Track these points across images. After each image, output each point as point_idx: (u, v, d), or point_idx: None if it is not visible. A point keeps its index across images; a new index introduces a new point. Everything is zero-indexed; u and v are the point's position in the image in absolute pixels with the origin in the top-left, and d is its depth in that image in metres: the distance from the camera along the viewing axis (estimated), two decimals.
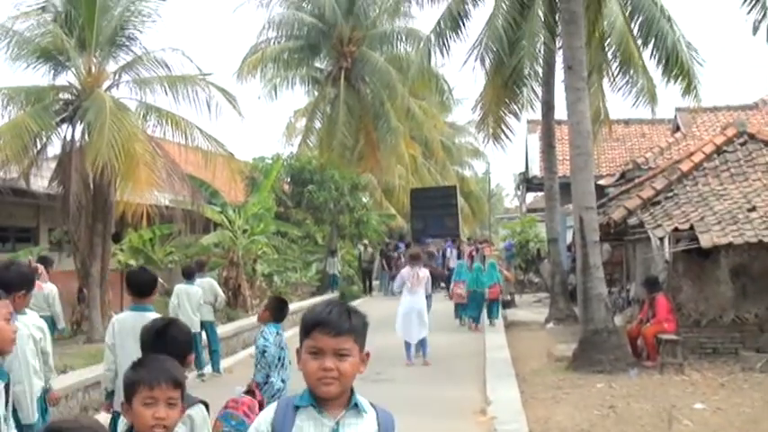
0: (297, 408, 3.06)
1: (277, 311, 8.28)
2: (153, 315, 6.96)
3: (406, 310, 15.30)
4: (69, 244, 18.94)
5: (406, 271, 16.10)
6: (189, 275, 14.53)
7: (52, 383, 6.92)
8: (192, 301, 14.06)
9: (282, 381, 7.89)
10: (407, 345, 15.31)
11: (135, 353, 6.28)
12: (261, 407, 6.87)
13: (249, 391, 7.52)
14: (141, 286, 7.13)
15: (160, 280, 23.97)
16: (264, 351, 7.96)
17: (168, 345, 4.27)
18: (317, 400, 3.03)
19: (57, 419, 3.34)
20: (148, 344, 4.37)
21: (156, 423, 3.19)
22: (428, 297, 16.69)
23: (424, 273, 15.94)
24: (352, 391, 3.10)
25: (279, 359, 7.92)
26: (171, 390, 3.23)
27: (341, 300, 30.14)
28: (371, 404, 3.18)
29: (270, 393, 7.69)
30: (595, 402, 11.48)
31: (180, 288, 14.30)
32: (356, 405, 3.08)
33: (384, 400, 4.20)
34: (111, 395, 7.13)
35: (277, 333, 8.04)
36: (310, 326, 3.04)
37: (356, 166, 37.55)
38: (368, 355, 3.16)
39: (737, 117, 22.01)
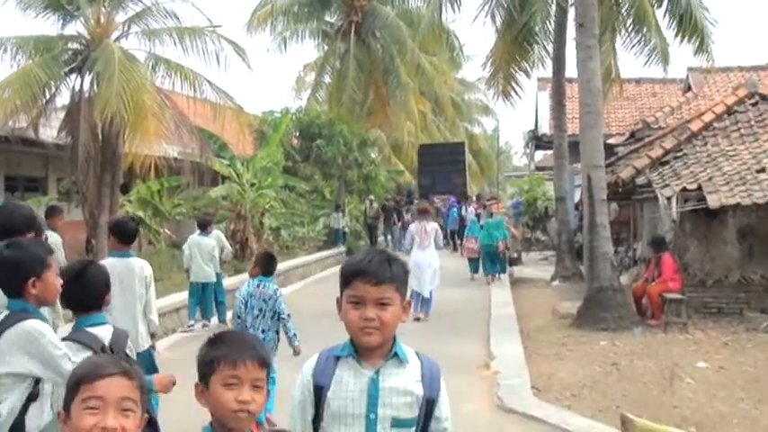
0: (338, 358, 3.04)
1: (265, 266, 8.46)
2: (136, 260, 7.66)
3: (417, 261, 15.10)
4: (78, 194, 19.00)
5: (414, 226, 16.05)
6: (203, 227, 14.72)
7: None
8: (203, 252, 14.24)
9: (263, 330, 8.03)
10: (416, 296, 15.02)
11: (118, 295, 6.96)
12: None
13: None
14: (126, 234, 7.71)
15: (168, 231, 24.16)
16: (235, 301, 8.44)
17: (87, 285, 4.48)
18: (359, 350, 3.01)
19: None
20: (68, 283, 4.42)
21: (239, 408, 2.71)
22: (438, 248, 16.20)
23: (432, 226, 15.80)
24: (394, 339, 3.06)
25: (258, 309, 8.13)
26: (257, 370, 2.77)
27: (347, 254, 30.32)
28: (417, 353, 3.16)
29: None
30: (598, 359, 11.56)
31: (192, 239, 14.49)
32: (396, 354, 3.04)
33: None
34: None
35: (258, 285, 8.23)
36: (350, 275, 3.01)
37: (365, 121, 37.39)
38: (409, 303, 3.13)
39: (749, 77, 21.82)
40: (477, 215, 27.23)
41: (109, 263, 7.27)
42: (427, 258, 15.34)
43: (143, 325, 7.70)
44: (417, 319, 14.61)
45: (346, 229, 32.21)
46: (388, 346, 3.03)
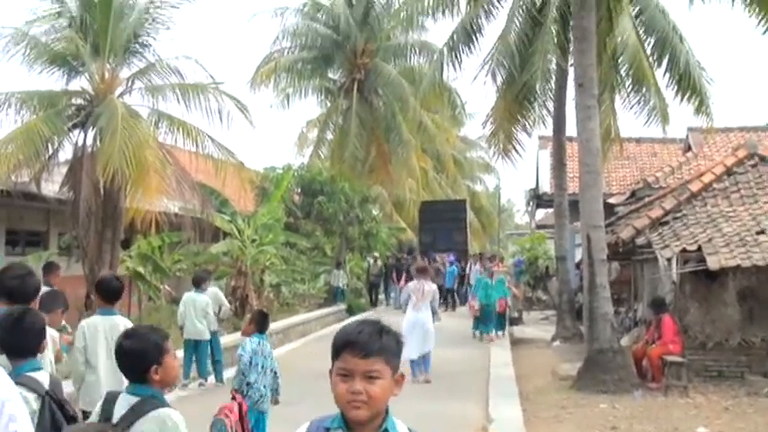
0: (327, 430, 2.94)
1: (259, 324, 8.87)
2: (120, 319, 7.57)
3: (409, 325, 14.65)
4: (78, 249, 18.99)
5: (412, 284, 15.74)
6: (197, 284, 14.64)
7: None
8: (197, 308, 14.14)
9: (264, 386, 8.49)
10: (411, 361, 14.67)
11: (104, 355, 7.21)
12: (241, 409, 7.88)
13: (232, 397, 8.25)
14: (110, 292, 7.61)
15: (168, 287, 24.08)
16: (240, 359, 8.60)
17: (24, 332, 4.56)
18: (348, 424, 2.89)
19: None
20: (5, 329, 4.54)
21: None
22: (434, 313, 15.78)
23: (431, 287, 15.50)
24: (387, 414, 2.94)
25: (261, 366, 8.51)
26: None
27: (347, 312, 30.21)
28: (409, 429, 3.06)
29: (253, 399, 8.36)
30: (598, 423, 11.44)
31: (187, 296, 14.42)
32: (387, 431, 2.92)
33: None
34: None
35: (258, 342, 8.62)
36: (340, 346, 2.91)
37: (367, 178, 37.55)
38: (402, 376, 2.99)
39: (749, 138, 21.93)
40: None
41: (93, 321, 7.56)
42: (420, 320, 14.90)
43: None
44: (428, 382, 14.61)
45: (345, 287, 32.00)
46: (378, 420, 2.91)
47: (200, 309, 14.19)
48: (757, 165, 17.43)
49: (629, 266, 21.42)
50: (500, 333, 21.90)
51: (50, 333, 6.80)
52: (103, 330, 7.31)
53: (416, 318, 14.91)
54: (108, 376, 7.16)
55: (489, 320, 21.90)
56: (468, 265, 30.78)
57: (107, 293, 7.60)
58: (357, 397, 2.84)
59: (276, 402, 8.65)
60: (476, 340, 21.44)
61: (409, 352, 14.56)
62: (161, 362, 4.19)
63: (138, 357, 4.16)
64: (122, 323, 7.62)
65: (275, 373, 8.68)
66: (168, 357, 4.26)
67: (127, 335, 4.38)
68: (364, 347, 2.87)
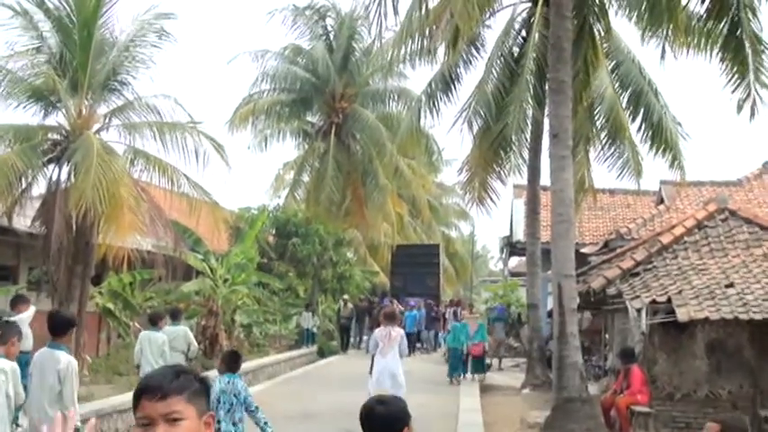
0: None
1: (229, 363, 9.06)
2: (63, 354, 7.83)
3: (377, 372, 14.34)
4: (48, 284, 18.85)
5: (378, 331, 15.15)
6: (153, 321, 14.51)
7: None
8: (153, 347, 13.93)
9: (233, 424, 8.68)
10: None
11: (38, 386, 7.62)
12: None
13: None
14: (56, 326, 7.93)
15: (138, 325, 23.95)
16: None
17: None
18: None
19: None
20: None
21: None
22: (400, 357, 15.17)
23: (398, 332, 14.95)
24: None
25: (229, 405, 8.68)
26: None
27: (318, 354, 30.06)
28: None
29: None
30: None
31: (143, 335, 14.29)
32: None
33: None
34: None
35: (228, 382, 8.76)
36: (137, 394, 2.70)
37: (342, 221, 37.62)
38: (212, 417, 2.81)
39: (721, 193, 22.20)
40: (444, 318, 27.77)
41: (39, 353, 7.91)
42: (388, 366, 14.41)
43: (52, 414, 7.53)
44: None
45: (315, 330, 31.73)
46: None
47: (157, 347, 13.97)
48: (727, 219, 17.63)
49: (599, 316, 21.51)
50: (475, 376, 22.74)
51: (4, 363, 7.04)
52: (41, 363, 7.77)
53: (385, 364, 14.43)
54: (32, 403, 7.69)
55: (458, 363, 22.73)
56: (447, 311, 30.59)
57: (53, 327, 7.91)
58: None
59: None
60: (445, 386, 21.37)
61: None
62: (409, 425, 4.44)
63: (394, 421, 4.39)
64: (62, 359, 7.73)
65: (248, 409, 8.77)
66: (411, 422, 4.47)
67: (379, 401, 4.57)
68: (160, 388, 2.67)
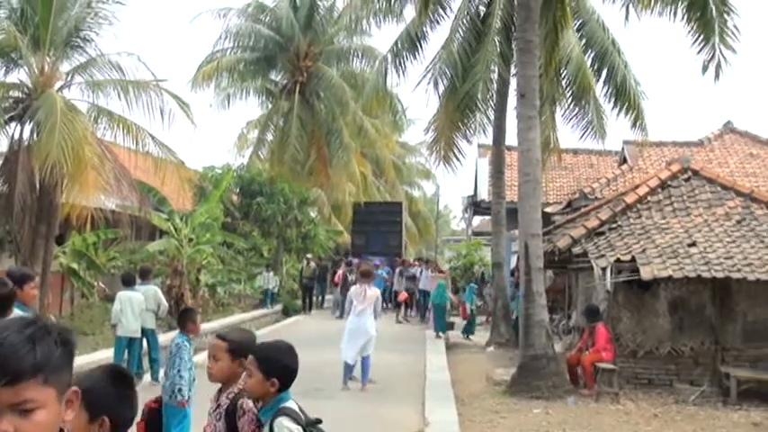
0: None
1: (178, 321, 8.86)
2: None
3: (351, 328, 14.49)
4: (11, 244, 18.65)
5: (353, 289, 15.29)
6: (128, 282, 14.46)
7: None
8: (134, 306, 13.98)
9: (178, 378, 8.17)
10: (346, 366, 14.43)
11: None
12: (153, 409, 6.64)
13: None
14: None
15: (102, 284, 23.71)
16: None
17: None
18: None
19: None
20: None
21: None
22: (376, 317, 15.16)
23: (374, 291, 15.03)
24: None
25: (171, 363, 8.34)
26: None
27: (283, 313, 30.07)
28: None
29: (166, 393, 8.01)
30: (531, 428, 11.61)
31: (122, 294, 14.20)
32: None
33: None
34: None
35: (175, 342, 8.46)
36: None
37: (306, 180, 37.49)
38: (76, 393, 2.02)
39: (683, 153, 22.49)
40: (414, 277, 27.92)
41: None
42: (363, 325, 14.48)
43: None
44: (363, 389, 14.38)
45: (275, 290, 31.51)
46: None
47: (138, 307, 14.05)
48: (690, 179, 17.87)
49: (563, 275, 21.77)
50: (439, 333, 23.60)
51: None
52: None
53: (359, 323, 14.54)
54: None
55: (440, 318, 24.11)
56: (420, 271, 30.20)
57: None
58: None
59: (181, 405, 7.95)
60: (411, 344, 21.46)
61: (346, 355, 14.47)
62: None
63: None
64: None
65: (179, 371, 8.14)
66: None
67: None
68: (7, 369, 1.86)
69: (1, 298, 6.62)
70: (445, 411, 12.33)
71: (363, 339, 14.40)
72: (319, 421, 4.24)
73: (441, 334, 23.37)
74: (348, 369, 14.55)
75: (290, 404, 4.20)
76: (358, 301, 14.68)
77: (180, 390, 8.03)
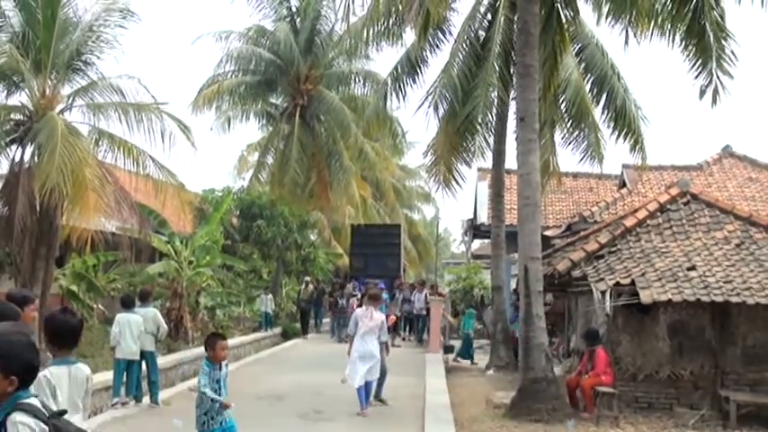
0: None
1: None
2: None
3: (360, 353, 14.10)
4: (11, 266, 18.68)
5: (360, 311, 14.91)
6: (128, 305, 14.42)
7: None
8: (133, 329, 13.95)
9: None
10: (359, 391, 13.98)
11: None
12: None
13: None
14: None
15: (101, 307, 23.69)
16: None
17: None
18: None
19: None
20: None
21: None
22: (382, 344, 14.83)
23: (380, 316, 14.72)
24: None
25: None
26: None
27: (282, 336, 29.98)
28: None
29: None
30: None
31: (121, 317, 14.14)
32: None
33: None
34: None
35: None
36: None
37: (306, 203, 37.53)
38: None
39: (682, 177, 22.51)
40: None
41: None
42: (368, 348, 14.16)
43: None
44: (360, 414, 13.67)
45: (272, 313, 31.26)
46: None
47: (136, 329, 14.02)
48: (689, 202, 17.91)
49: (562, 298, 21.74)
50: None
51: None
52: None
53: (364, 347, 14.20)
54: None
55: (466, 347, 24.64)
56: (414, 294, 30.02)
57: None
58: None
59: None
60: (412, 367, 21.39)
61: (353, 380, 14.09)
62: None
63: None
64: None
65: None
66: None
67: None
68: None
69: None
70: None
71: (370, 363, 14.07)
72: (64, 412, 3.97)
73: (460, 360, 23.93)
74: (361, 393, 14.03)
75: (30, 400, 3.81)
76: (363, 323, 14.34)
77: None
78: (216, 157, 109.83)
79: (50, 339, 5.85)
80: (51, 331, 5.83)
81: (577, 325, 18.59)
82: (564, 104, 21.44)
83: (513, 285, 23.22)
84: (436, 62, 24.29)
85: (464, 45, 21.18)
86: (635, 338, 15.22)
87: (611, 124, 20.86)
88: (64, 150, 16.33)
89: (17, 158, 18.00)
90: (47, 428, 3.63)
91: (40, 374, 6.16)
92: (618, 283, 14.81)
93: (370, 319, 14.40)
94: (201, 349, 10.25)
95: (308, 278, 33.37)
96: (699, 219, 17.35)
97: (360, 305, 17.07)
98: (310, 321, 32.64)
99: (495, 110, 21.81)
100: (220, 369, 8.80)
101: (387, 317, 28.58)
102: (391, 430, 12.87)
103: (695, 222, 17.27)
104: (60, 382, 5.65)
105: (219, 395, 8.69)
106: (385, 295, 31.68)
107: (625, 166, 28.37)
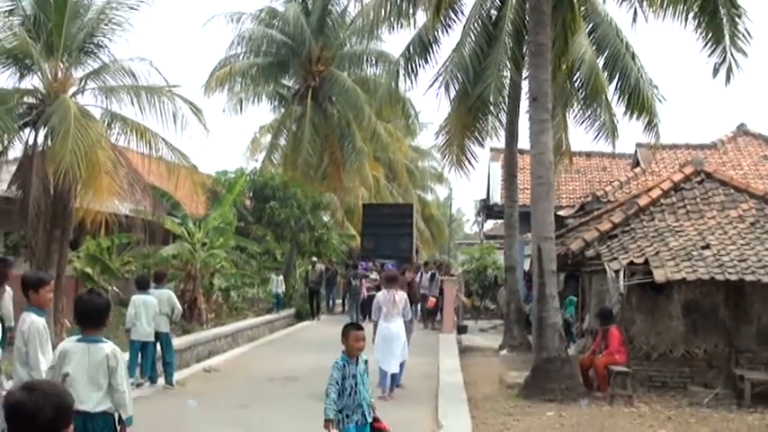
0: None
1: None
2: (27, 315, 7.18)
3: (385, 335, 13.94)
4: (26, 249, 18.75)
5: (381, 295, 14.67)
6: (143, 286, 14.47)
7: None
8: (148, 310, 14.01)
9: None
10: (383, 374, 13.78)
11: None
12: None
13: None
14: (22, 286, 7.29)
15: (116, 289, 23.81)
16: None
17: None
18: None
19: None
20: None
21: None
22: (409, 322, 15.02)
23: (401, 296, 14.57)
24: None
25: None
26: None
27: (296, 317, 30.05)
28: None
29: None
30: (544, 431, 11.60)
31: (137, 298, 14.20)
32: None
33: None
34: None
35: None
36: None
37: (319, 185, 37.53)
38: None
39: (696, 156, 22.41)
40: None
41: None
42: (395, 330, 14.06)
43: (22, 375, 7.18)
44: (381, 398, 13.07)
45: (283, 294, 31.16)
46: None
47: (152, 310, 14.09)
48: (703, 181, 17.83)
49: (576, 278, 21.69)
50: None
51: None
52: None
53: (389, 330, 14.07)
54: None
55: None
56: (420, 274, 29.98)
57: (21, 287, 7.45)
58: None
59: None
60: (425, 347, 21.40)
61: (386, 366, 13.89)
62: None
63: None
64: (26, 320, 7.33)
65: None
66: None
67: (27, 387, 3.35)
68: None
69: None
70: (458, 414, 12.32)
71: (398, 344, 13.97)
72: None
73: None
74: (385, 377, 13.85)
75: None
76: (387, 307, 14.20)
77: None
78: (229, 138, 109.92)
79: (77, 319, 6.40)
80: (77, 311, 6.33)
81: (591, 304, 18.58)
82: (577, 83, 21.29)
83: (527, 266, 23.19)
84: (448, 42, 24.30)
85: (476, 24, 21.06)
86: (649, 317, 15.19)
87: (625, 103, 20.69)
88: (77, 133, 16.33)
89: (30, 142, 18.02)
90: None
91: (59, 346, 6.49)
92: (631, 263, 14.77)
93: (392, 302, 14.26)
94: (216, 330, 10.28)
95: (314, 259, 32.72)
96: (713, 197, 17.28)
97: (373, 287, 16.99)
98: (322, 303, 32.35)
99: (507, 89, 21.72)
100: (357, 363, 7.93)
101: (424, 297, 28.34)
102: (404, 409, 12.89)
103: (709, 201, 17.20)
104: (71, 354, 6.17)
105: (356, 392, 7.82)
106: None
107: (639, 145, 28.25)
